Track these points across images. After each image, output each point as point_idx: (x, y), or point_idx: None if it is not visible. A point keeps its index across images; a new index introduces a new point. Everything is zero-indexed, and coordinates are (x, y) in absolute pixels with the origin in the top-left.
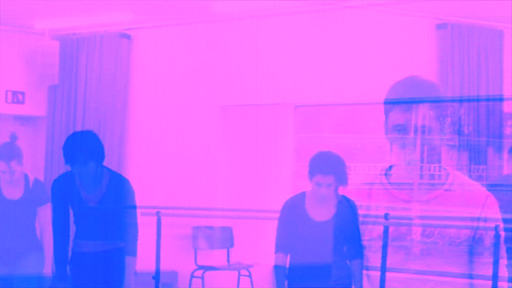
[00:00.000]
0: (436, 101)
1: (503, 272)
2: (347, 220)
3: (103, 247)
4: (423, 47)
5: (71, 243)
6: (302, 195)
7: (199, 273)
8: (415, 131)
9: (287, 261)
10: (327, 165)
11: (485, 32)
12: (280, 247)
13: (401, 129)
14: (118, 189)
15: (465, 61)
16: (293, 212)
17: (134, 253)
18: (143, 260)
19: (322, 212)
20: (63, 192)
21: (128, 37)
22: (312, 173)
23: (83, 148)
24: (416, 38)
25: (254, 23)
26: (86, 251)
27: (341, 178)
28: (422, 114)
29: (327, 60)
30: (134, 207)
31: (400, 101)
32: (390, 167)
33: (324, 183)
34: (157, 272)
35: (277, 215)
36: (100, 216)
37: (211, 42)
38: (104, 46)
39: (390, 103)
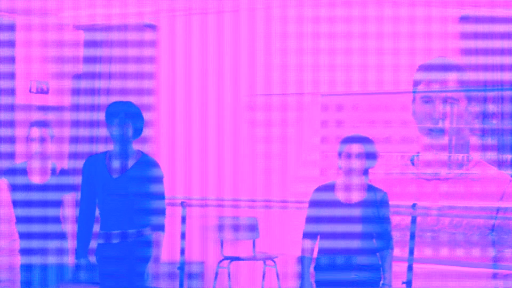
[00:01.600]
0: (464, 90)
1: None
2: (376, 207)
3: (129, 237)
4: (447, 38)
5: (95, 234)
6: (332, 183)
7: (225, 263)
8: (444, 104)
9: (314, 249)
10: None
11: (509, 22)
12: (308, 233)
13: (429, 101)
14: (147, 166)
15: (488, 51)
16: (322, 198)
17: (162, 229)
18: (168, 250)
19: (352, 196)
20: (92, 170)
21: (152, 26)
22: (341, 154)
23: (126, 107)
24: (440, 29)
25: (280, 13)
26: (111, 242)
27: (371, 158)
28: (450, 88)
29: (353, 50)
30: (161, 185)
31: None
32: (415, 155)
33: (355, 165)
34: (182, 262)
35: (303, 205)
36: (124, 189)
37: (236, 32)
38: (128, 35)
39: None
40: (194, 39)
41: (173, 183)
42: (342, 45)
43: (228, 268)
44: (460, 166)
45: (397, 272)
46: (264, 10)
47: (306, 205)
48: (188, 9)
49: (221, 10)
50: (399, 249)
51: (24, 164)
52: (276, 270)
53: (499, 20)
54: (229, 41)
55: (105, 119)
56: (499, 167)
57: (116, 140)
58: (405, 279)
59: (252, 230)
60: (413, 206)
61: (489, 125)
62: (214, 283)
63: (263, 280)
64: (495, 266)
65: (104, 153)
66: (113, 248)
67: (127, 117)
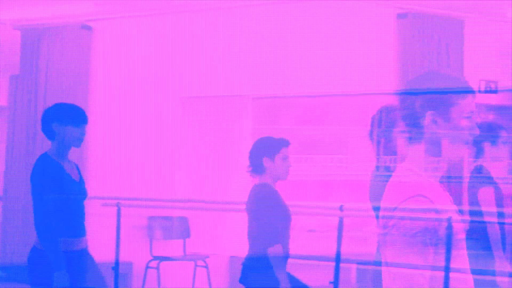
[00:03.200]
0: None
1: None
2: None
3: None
4: (384, 37)
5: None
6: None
7: (154, 263)
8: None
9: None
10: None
11: (446, 22)
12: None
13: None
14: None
15: (425, 50)
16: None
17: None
18: (101, 250)
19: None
20: (54, 172)
21: (89, 28)
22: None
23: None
24: (376, 28)
25: (215, 15)
26: (79, 248)
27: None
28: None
29: (286, 51)
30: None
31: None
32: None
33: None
34: (117, 263)
35: (235, 206)
36: (85, 193)
37: (171, 34)
38: (65, 37)
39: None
40: (130, 41)
41: (108, 184)
42: (274, 46)
43: (158, 268)
44: (387, 168)
45: (325, 272)
46: (198, 12)
47: (238, 206)
48: (124, 11)
49: (156, 12)
50: (329, 250)
51: None
52: (207, 271)
53: (436, 18)
54: (164, 43)
55: (68, 121)
56: (426, 169)
57: (78, 143)
58: (332, 279)
59: (183, 230)
60: (340, 208)
61: (417, 128)
62: (143, 283)
63: (193, 281)
64: (421, 266)
65: (50, 155)
66: (81, 255)
67: (87, 121)
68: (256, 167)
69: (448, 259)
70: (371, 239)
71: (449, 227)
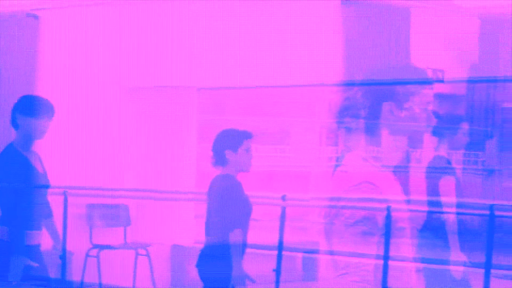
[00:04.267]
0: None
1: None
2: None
3: None
4: (328, 24)
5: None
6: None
7: (94, 252)
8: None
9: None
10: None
11: (391, 9)
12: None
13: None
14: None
15: (369, 37)
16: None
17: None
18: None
19: None
20: (20, 164)
21: (35, 17)
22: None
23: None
24: (321, 14)
25: (158, 4)
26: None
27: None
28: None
29: (230, 43)
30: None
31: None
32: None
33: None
34: (64, 251)
35: (178, 196)
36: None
37: (117, 23)
38: (11, 25)
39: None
40: (78, 30)
41: (55, 173)
42: (219, 37)
43: (98, 257)
44: (330, 159)
45: (268, 260)
46: (144, 2)
47: (183, 196)
48: (71, 0)
49: (104, 2)
50: (271, 238)
51: None
52: (149, 259)
53: (380, 6)
54: (112, 32)
55: (31, 113)
56: (366, 159)
57: (41, 135)
58: (275, 267)
59: (123, 218)
60: (283, 197)
61: (357, 118)
62: (83, 272)
63: (135, 269)
64: (361, 255)
65: (15, 146)
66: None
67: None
68: (219, 159)
69: (387, 248)
70: (314, 228)
71: (388, 216)
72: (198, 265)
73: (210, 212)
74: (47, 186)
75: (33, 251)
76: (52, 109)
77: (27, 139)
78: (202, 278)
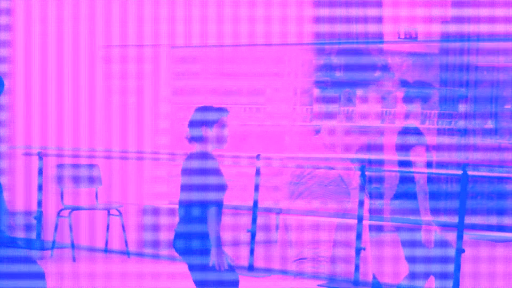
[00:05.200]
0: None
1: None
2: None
3: None
4: None
5: None
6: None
7: (65, 212)
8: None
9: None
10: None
11: None
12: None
13: None
14: None
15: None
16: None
17: None
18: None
19: None
20: None
21: None
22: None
23: None
24: None
25: None
26: None
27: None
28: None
29: (203, 2)
30: None
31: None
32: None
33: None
34: (39, 212)
35: (151, 156)
36: None
37: None
38: None
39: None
40: None
41: (29, 133)
42: None
43: (69, 217)
44: (303, 119)
45: (243, 220)
46: None
47: (156, 156)
48: None
49: None
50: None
51: None
52: (121, 219)
53: None
54: None
55: None
56: (340, 120)
57: None
58: (250, 227)
59: (94, 178)
60: (257, 157)
61: (331, 78)
62: (54, 233)
63: (107, 230)
64: (336, 215)
65: None
66: None
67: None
68: (195, 135)
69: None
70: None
71: (363, 176)
72: (175, 245)
73: (185, 188)
74: None
75: None
76: (2, 84)
77: None
78: (183, 258)
